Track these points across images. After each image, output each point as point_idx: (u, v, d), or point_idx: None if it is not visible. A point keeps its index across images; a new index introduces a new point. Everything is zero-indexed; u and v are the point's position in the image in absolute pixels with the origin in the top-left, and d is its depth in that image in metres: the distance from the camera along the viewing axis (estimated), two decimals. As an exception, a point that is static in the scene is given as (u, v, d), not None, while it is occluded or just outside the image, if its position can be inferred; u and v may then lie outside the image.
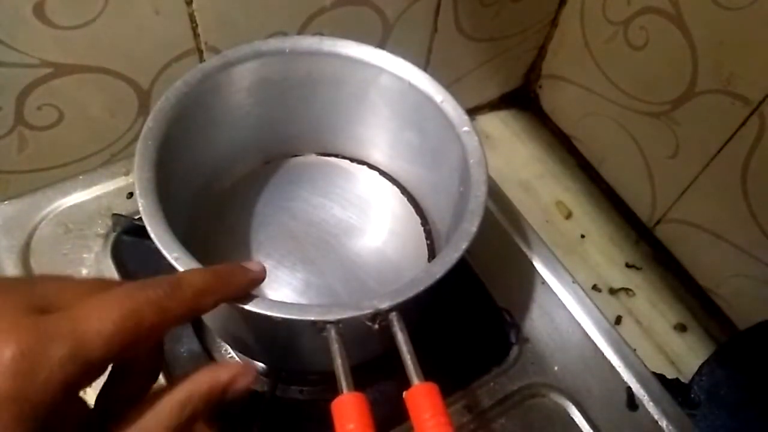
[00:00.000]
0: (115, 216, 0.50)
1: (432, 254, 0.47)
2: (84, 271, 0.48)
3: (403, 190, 0.50)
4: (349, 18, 0.55)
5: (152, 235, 0.33)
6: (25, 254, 0.49)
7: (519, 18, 0.68)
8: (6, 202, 0.51)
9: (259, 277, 0.32)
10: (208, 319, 0.43)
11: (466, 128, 0.41)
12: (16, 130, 0.48)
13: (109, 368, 0.26)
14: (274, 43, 0.44)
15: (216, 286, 0.28)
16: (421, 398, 0.29)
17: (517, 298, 0.52)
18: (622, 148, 0.67)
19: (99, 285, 0.25)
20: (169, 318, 0.25)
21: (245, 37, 0.45)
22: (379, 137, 0.49)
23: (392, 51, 0.44)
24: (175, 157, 0.39)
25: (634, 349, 0.50)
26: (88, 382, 0.23)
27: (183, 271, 0.28)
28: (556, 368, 0.48)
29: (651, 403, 0.47)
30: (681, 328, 0.64)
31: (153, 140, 0.37)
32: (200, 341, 0.46)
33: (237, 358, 0.47)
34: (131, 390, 0.27)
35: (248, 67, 0.43)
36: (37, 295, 0.23)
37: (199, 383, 0.26)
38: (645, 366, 0.49)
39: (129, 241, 0.50)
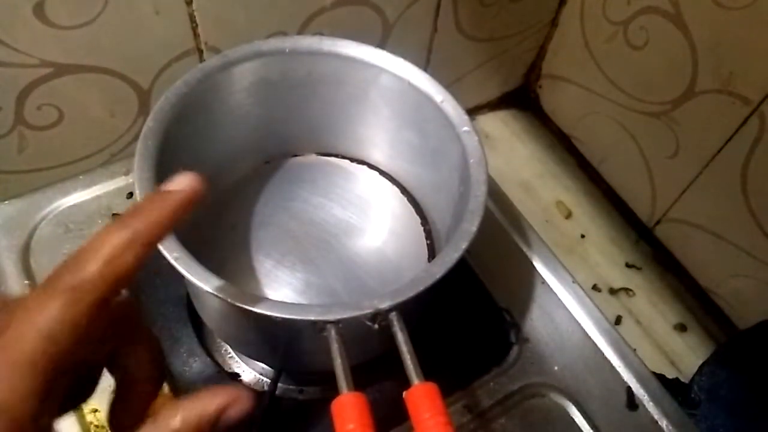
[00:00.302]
0: (115, 216, 0.50)
1: (432, 254, 0.47)
2: (84, 271, 0.48)
3: (403, 190, 0.50)
4: (349, 18, 0.55)
5: (152, 235, 0.33)
6: (25, 254, 0.49)
7: (519, 18, 0.68)
8: (6, 202, 0.51)
9: (187, 197, 0.26)
10: (208, 319, 0.43)
11: (466, 128, 0.41)
12: (16, 129, 0.48)
13: (114, 385, 0.25)
14: (274, 43, 0.44)
15: (129, 239, 0.24)
16: (421, 398, 0.29)
17: (517, 298, 0.52)
18: (622, 148, 0.67)
19: (11, 302, 0.23)
20: (85, 307, 0.22)
21: (245, 37, 0.45)
22: (379, 137, 0.49)
23: (392, 51, 0.44)
24: (175, 157, 0.39)
25: (634, 349, 0.50)
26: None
27: (85, 240, 0.24)
28: (556, 368, 0.48)
29: (651, 403, 0.47)
30: (681, 328, 0.64)
31: (153, 140, 0.37)
32: (200, 341, 0.46)
33: (237, 358, 0.47)
34: (138, 400, 0.27)
35: (248, 67, 0.43)
36: None
37: (188, 415, 0.24)
38: (645, 366, 0.49)
39: (129, 241, 0.50)
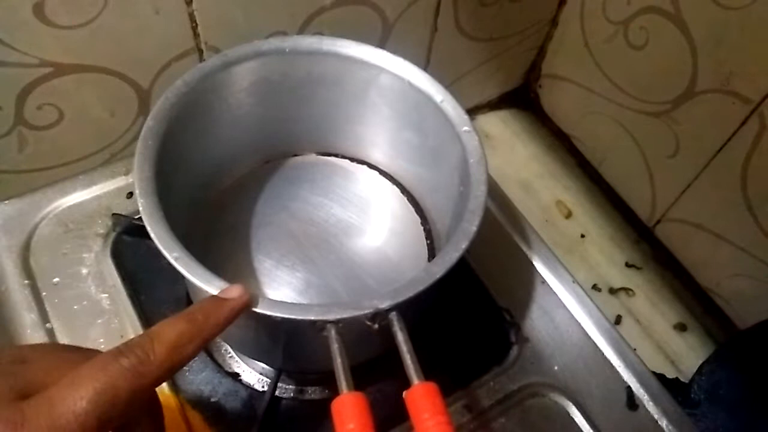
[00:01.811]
0: (115, 216, 0.50)
1: (432, 254, 0.47)
2: (84, 271, 0.48)
3: (403, 190, 0.50)
4: (349, 18, 0.55)
5: (152, 235, 0.33)
6: (25, 254, 0.49)
7: (519, 17, 0.68)
8: (6, 202, 0.51)
9: (240, 305, 0.30)
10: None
11: (466, 128, 0.41)
12: (16, 129, 0.48)
13: None
14: (274, 43, 0.44)
15: (192, 333, 0.27)
16: (421, 398, 0.29)
17: (517, 298, 0.52)
18: (622, 148, 0.67)
19: (78, 356, 0.26)
20: (146, 383, 0.25)
21: (245, 37, 0.45)
22: (379, 137, 0.49)
23: (392, 51, 0.44)
24: (175, 156, 0.39)
25: (634, 349, 0.50)
26: None
27: (157, 325, 0.27)
28: (556, 368, 0.48)
29: (651, 403, 0.47)
30: (681, 327, 0.64)
31: (153, 140, 0.37)
32: (200, 341, 0.46)
33: (237, 358, 0.47)
34: None
35: (248, 67, 0.43)
36: (18, 378, 0.24)
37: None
38: (645, 365, 0.49)
39: (129, 241, 0.50)
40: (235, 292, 0.31)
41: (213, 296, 0.30)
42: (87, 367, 0.24)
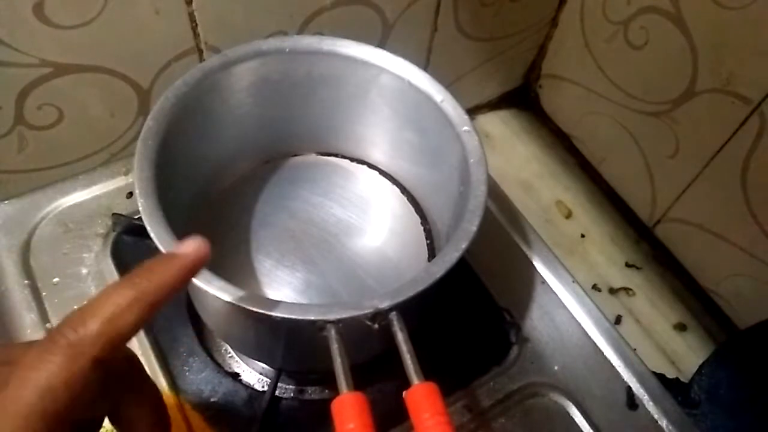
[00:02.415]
0: (115, 216, 0.50)
1: (432, 254, 0.47)
2: (84, 271, 0.48)
3: (403, 190, 0.50)
4: (349, 17, 0.55)
5: (152, 235, 0.33)
6: (25, 254, 0.49)
7: (519, 17, 0.68)
8: (6, 202, 0.51)
9: (192, 261, 0.27)
10: (208, 319, 0.43)
11: (466, 128, 0.41)
12: (16, 129, 0.48)
13: None
14: (274, 43, 0.44)
15: (132, 299, 0.24)
16: (421, 398, 0.29)
17: (517, 298, 0.52)
18: (622, 148, 0.67)
19: (20, 351, 0.25)
20: (84, 363, 0.23)
21: (245, 37, 0.45)
22: (379, 137, 0.49)
23: (392, 50, 0.44)
24: (175, 156, 0.39)
25: (634, 349, 0.50)
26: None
27: (92, 297, 0.24)
28: (556, 368, 0.48)
29: (651, 403, 0.47)
30: (681, 327, 0.64)
31: (153, 140, 0.37)
32: (200, 341, 0.46)
33: (237, 358, 0.47)
34: None
35: (248, 67, 0.43)
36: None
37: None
38: (645, 365, 0.49)
39: (129, 241, 0.50)
40: (188, 246, 0.27)
41: (161, 254, 0.27)
42: (28, 362, 0.23)
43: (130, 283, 0.25)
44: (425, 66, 0.56)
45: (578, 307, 0.51)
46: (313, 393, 0.46)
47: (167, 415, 0.29)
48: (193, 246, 0.27)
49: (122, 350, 0.26)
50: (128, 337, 0.24)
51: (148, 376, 0.29)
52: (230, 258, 0.45)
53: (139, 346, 0.45)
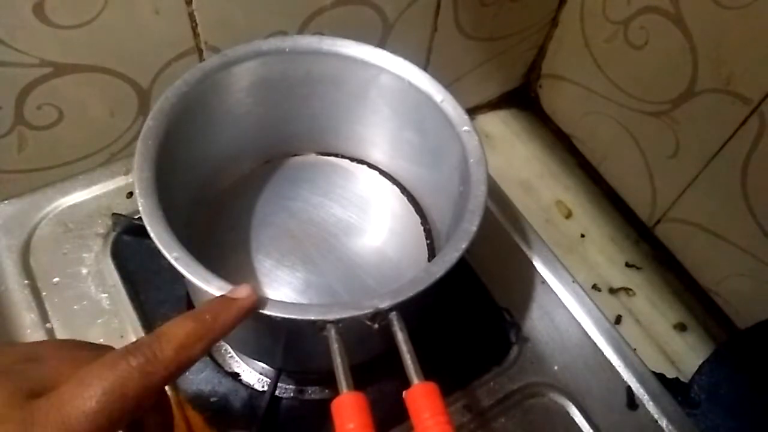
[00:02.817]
0: (115, 216, 0.50)
1: (432, 254, 0.47)
2: (84, 271, 0.48)
3: (403, 190, 0.50)
4: (348, 17, 0.55)
5: (152, 235, 0.33)
6: (25, 254, 0.49)
7: (519, 17, 0.68)
8: (6, 202, 0.51)
9: (249, 305, 0.30)
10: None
11: (466, 128, 0.41)
12: (16, 129, 0.48)
13: None
14: (274, 43, 0.44)
15: (200, 333, 0.27)
16: (421, 398, 0.29)
17: (517, 298, 0.52)
18: (622, 148, 0.67)
19: (87, 354, 0.26)
20: (154, 382, 0.25)
21: (245, 37, 0.45)
22: (379, 137, 0.49)
23: (392, 50, 0.44)
24: (175, 156, 0.39)
25: (634, 349, 0.50)
26: None
27: (165, 325, 0.27)
28: (556, 368, 0.48)
29: (651, 403, 0.47)
30: (681, 327, 0.64)
31: (153, 140, 0.37)
32: (200, 341, 0.46)
33: (237, 358, 0.47)
34: None
35: (248, 67, 0.43)
36: (28, 378, 0.24)
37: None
38: (645, 365, 0.49)
39: (129, 241, 0.50)
40: (243, 292, 0.30)
41: (222, 296, 0.30)
42: (96, 367, 0.24)
43: (200, 318, 0.28)
44: (425, 66, 0.56)
45: (578, 307, 0.51)
46: (313, 393, 0.46)
47: (172, 417, 0.31)
48: (248, 292, 0.30)
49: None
50: (190, 366, 0.27)
51: (167, 395, 0.32)
52: (230, 258, 0.45)
53: (139, 346, 0.45)
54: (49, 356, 0.25)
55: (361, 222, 0.48)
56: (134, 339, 0.45)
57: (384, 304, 0.32)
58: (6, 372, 0.24)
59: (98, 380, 0.23)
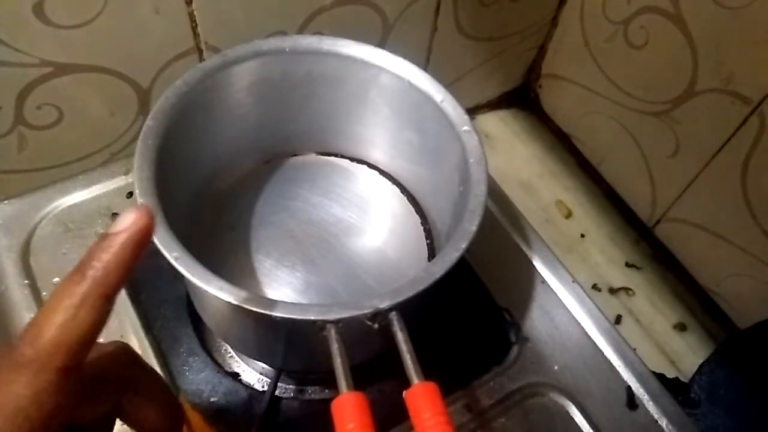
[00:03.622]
0: (115, 215, 0.50)
1: (432, 254, 0.47)
2: (84, 271, 0.48)
3: (403, 190, 0.50)
4: (348, 17, 0.55)
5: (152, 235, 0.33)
6: (24, 254, 0.49)
7: (519, 17, 0.68)
8: (6, 202, 0.51)
9: (135, 235, 0.24)
10: (208, 318, 0.43)
11: (466, 127, 0.41)
12: (16, 129, 0.48)
13: None
14: (274, 43, 0.44)
15: (82, 295, 0.22)
16: (421, 398, 0.29)
17: (517, 298, 0.52)
18: (622, 148, 0.67)
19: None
20: (47, 382, 0.22)
21: (245, 37, 0.45)
22: (379, 137, 0.49)
23: (392, 50, 0.44)
24: (175, 156, 0.39)
25: (634, 349, 0.50)
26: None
27: (45, 303, 0.23)
28: (556, 368, 0.48)
29: (651, 403, 0.47)
30: (681, 327, 0.64)
31: (153, 139, 0.37)
32: (200, 341, 0.46)
33: (237, 358, 0.47)
34: None
35: (248, 67, 0.43)
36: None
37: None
38: (645, 365, 0.49)
39: (129, 241, 0.50)
40: (125, 219, 0.24)
41: (100, 236, 0.24)
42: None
43: (77, 277, 0.23)
44: (425, 66, 0.56)
45: (578, 307, 0.51)
46: (313, 393, 0.46)
47: (177, 410, 0.29)
48: (131, 218, 0.24)
49: (100, 350, 0.26)
50: (91, 337, 0.23)
51: (152, 373, 0.28)
52: (230, 258, 0.45)
53: (139, 345, 0.45)
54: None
55: (361, 222, 0.48)
56: (134, 339, 0.45)
57: (384, 304, 0.32)
58: None
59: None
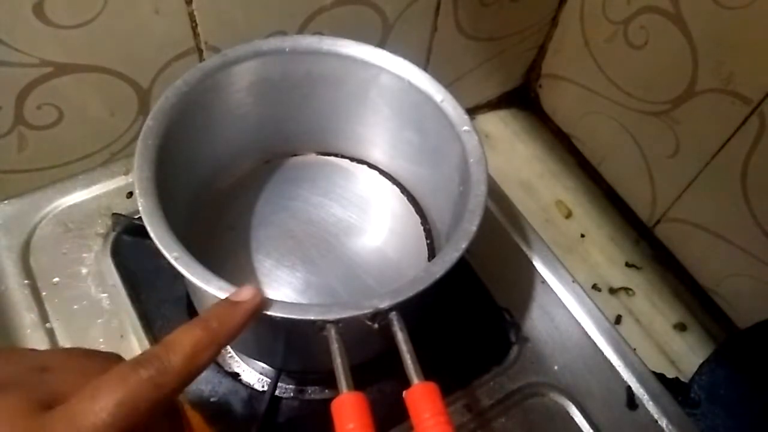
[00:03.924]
0: (115, 215, 0.50)
1: (432, 254, 0.47)
2: (84, 271, 0.48)
3: (403, 190, 0.50)
4: (348, 17, 0.55)
5: (152, 235, 0.33)
6: (25, 254, 0.49)
7: (519, 17, 0.68)
8: (6, 202, 0.51)
9: (253, 307, 0.30)
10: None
11: (466, 127, 0.41)
12: (16, 129, 0.48)
13: None
14: (274, 43, 0.44)
15: (208, 341, 0.27)
16: (421, 398, 0.29)
17: (517, 298, 0.52)
18: (622, 148, 0.67)
19: (98, 364, 0.26)
20: (165, 393, 0.25)
21: (245, 37, 0.45)
22: (379, 136, 0.49)
23: (392, 50, 0.44)
24: (175, 156, 0.39)
25: (634, 349, 0.50)
26: None
27: (173, 334, 0.27)
28: (556, 368, 0.48)
29: (651, 403, 0.47)
30: (681, 327, 0.64)
31: (153, 139, 0.37)
32: (200, 341, 0.46)
33: (237, 358, 0.47)
34: None
35: (248, 67, 0.43)
36: (40, 389, 0.24)
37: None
38: (645, 365, 0.49)
39: (129, 241, 0.50)
40: (247, 293, 0.30)
41: (226, 300, 0.30)
42: (107, 379, 0.24)
43: (205, 325, 0.28)
44: (425, 66, 0.56)
45: (578, 307, 0.51)
46: (313, 393, 0.46)
47: (182, 423, 0.31)
48: (252, 293, 0.30)
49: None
50: (199, 374, 0.27)
51: (177, 403, 0.31)
52: (230, 258, 0.45)
53: (140, 346, 0.45)
54: (59, 366, 0.25)
55: (361, 222, 0.48)
56: (134, 339, 0.45)
57: (384, 304, 0.32)
58: (17, 383, 0.24)
59: (110, 393, 0.23)
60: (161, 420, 0.29)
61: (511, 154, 0.77)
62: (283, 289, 0.44)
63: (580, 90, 0.71)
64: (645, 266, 0.68)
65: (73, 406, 0.23)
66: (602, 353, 0.49)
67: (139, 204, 0.34)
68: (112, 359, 0.27)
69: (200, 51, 0.51)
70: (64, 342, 0.45)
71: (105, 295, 0.47)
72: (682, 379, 0.58)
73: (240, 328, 0.29)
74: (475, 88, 0.76)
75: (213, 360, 0.28)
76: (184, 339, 0.26)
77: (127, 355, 0.27)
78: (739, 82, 0.53)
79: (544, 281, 0.53)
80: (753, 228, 0.56)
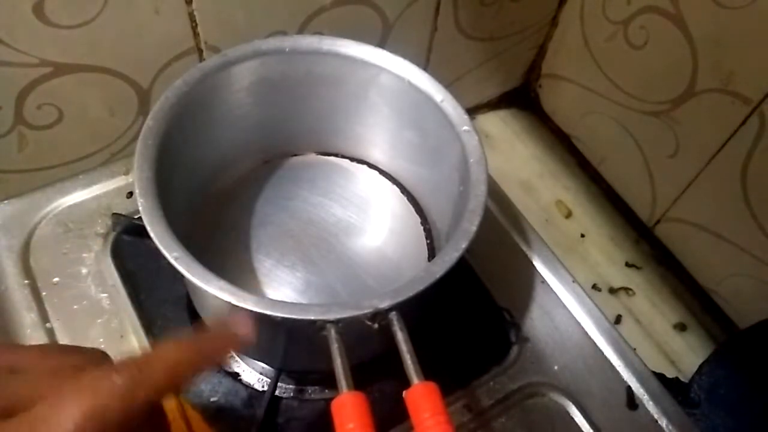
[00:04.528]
0: (115, 215, 0.50)
1: (432, 254, 0.47)
2: (84, 271, 0.48)
3: (403, 190, 0.50)
4: (348, 17, 0.55)
5: (152, 235, 0.33)
6: (24, 253, 0.49)
7: (519, 17, 0.68)
8: (6, 202, 0.51)
9: (244, 341, 0.30)
10: (208, 318, 0.43)
11: (466, 127, 0.41)
12: (16, 129, 0.48)
13: None
14: (274, 43, 0.44)
15: (195, 362, 0.27)
16: (421, 398, 0.29)
17: (517, 298, 0.52)
18: (622, 148, 0.67)
19: (73, 363, 0.25)
20: (139, 402, 0.23)
21: (245, 37, 0.45)
22: (379, 136, 0.49)
23: (392, 50, 0.44)
24: (175, 156, 0.39)
25: (634, 349, 0.50)
26: None
27: (162, 345, 0.26)
28: (555, 368, 0.48)
29: (651, 403, 0.47)
30: (681, 327, 0.64)
31: (153, 139, 0.37)
32: (200, 341, 0.46)
33: (237, 358, 0.47)
34: None
35: (248, 67, 0.43)
36: (3, 394, 0.22)
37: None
38: (645, 365, 0.49)
39: (129, 241, 0.50)
40: (243, 324, 0.31)
41: (225, 328, 0.31)
42: (75, 385, 0.22)
43: (195, 343, 0.27)
44: (425, 66, 0.56)
45: (578, 307, 0.51)
46: (313, 393, 0.46)
47: (168, 429, 0.30)
48: (245, 323, 0.31)
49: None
50: (177, 389, 0.28)
51: (161, 406, 0.30)
52: (230, 258, 0.45)
53: (139, 346, 0.45)
54: (30, 367, 0.24)
55: (361, 222, 0.48)
56: (134, 339, 0.45)
57: (384, 304, 0.32)
58: None
59: (78, 400, 0.22)
60: (143, 426, 0.27)
61: (511, 154, 0.77)
62: (283, 289, 0.44)
63: (580, 90, 0.71)
64: (645, 266, 0.68)
65: (36, 414, 0.21)
66: (602, 353, 0.49)
67: (139, 204, 0.34)
68: (95, 357, 0.26)
69: (200, 51, 0.51)
70: (64, 342, 0.45)
71: (105, 295, 0.47)
72: (682, 379, 0.58)
73: (224, 355, 0.31)
74: (475, 88, 0.76)
75: (192, 379, 0.27)
76: (173, 353, 0.26)
77: (127, 355, 0.26)
78: (739, 82, 0.53)
79: (544, 281, 0.53)
80: (753, 228, 0.56)
